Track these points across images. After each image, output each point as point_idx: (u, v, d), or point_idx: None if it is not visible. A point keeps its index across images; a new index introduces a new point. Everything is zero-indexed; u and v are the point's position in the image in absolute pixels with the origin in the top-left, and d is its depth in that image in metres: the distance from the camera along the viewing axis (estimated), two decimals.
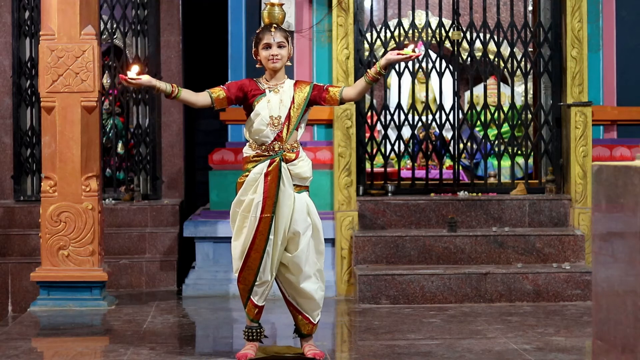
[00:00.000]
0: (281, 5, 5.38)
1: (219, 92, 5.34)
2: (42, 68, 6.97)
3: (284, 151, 5.25)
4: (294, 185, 5.27)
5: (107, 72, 8.86)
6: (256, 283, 5.28)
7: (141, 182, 8.83)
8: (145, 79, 5.17)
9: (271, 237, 5.24)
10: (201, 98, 5.31)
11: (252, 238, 5.24)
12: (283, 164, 5.24)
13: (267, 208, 5.23)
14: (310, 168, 5.34)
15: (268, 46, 5.27)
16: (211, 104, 5.34)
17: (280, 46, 5.28)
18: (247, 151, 5.34)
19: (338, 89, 5.32)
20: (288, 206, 5.24)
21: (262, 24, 5.37)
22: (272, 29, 5.28)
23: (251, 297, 5.31)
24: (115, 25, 8.81)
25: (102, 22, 8.31)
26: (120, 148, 8.94)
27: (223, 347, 5.95)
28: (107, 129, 8.91)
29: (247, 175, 5.28)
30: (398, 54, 5.17)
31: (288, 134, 5.26)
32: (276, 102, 5.27)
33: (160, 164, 8.81)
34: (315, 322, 5.34)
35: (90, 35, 6.99)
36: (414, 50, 5.16)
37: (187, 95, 5.28)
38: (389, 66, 5.30)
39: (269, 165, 5.24)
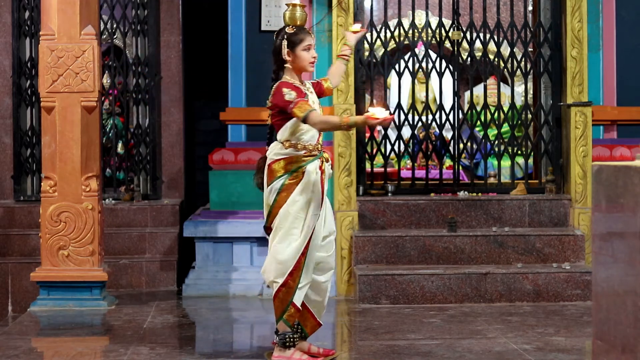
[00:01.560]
0: (303, 6, 5.38)
1: (307, 105, 5.14)
2: (42, 68, 6.97)
3: (322, 151, 5.29)
4: None
5: (107, 72, 8.86)
6: (300, 285, 5.18)
7: (141, 182, 8.83)
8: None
9: (314, 237, 5.24)
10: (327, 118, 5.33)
11: (310, 238, 5.18)
12: (325, 163, 5.28)
13: (321, 206, 5.23)
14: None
15: (309, 48, 5.26)
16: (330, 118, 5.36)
17: (313, 48, 5.32)
18: (290, 152, 5.20)
19: (327, 80, 5.50)
20: (324, 207, 5.28)
21: (284, 24, 5.32)
22: (305, 32, 5.28)
23: (293, 301, 5.19)
24: (115, 25, 8.81)
25: (102, 22, 8.31)
26: (120, 148, 8.94)
27: (223, 347, 5.95)
28: (107, 129, 8.91)
29: (295, 177, 5.18)
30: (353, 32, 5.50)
31: (315, 135, 5.26)
32: (316, 103, 5.32)
33: (160, 164, 8.81)
34: (321, 323, 5.40)
35: (90, 35, 6.99)
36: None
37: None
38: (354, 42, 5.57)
39: (314, 163, 5.20)
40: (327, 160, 5.28)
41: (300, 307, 5.21)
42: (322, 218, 5.25)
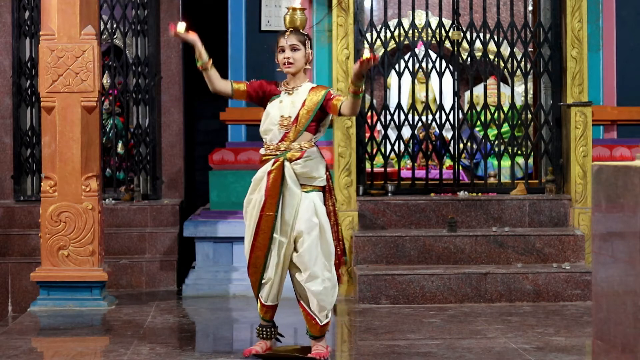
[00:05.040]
0: (303, 9, 5.39)
1: (240, 84, 5.45)
2: (42, 68, 6.97)
3: (290, 151, 5.28)
4: (301, 184, 5.29)
5: (107, 72, 8.86)
6: (262, 281, 5.34)
7: (141, 182, 8.83)
8: (192, 37, 5.30)
9: (275, 235, 5.27)
10: (222, 83, 5.43)
11: (254, 235, 5.30)
12: (287, 163, 5.26)
13: (268, 206, 5.26)
14: (321, 168, 5.34)
15: (282, 50, 5.32)
16: (230, 93, 5.45)
17: (293, 49, 5.31)
18: (261, 151, 5.40)
19: (339, 102, 5.30)
20: (292, 206, 5.27)
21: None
22: (287, 33, 5.33)
23: (259, 295, 5.38)
24: (115, 25, 8.81)
25: (102, 22, 8.31)
26: (120, 148, 8.93)
27: (223, 347, 5.95)
28: (107, 129, 8.91)
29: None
30: (360, 62, 5.08)
31: (297, 135, 5.29)
32: (288, 103, 5.32)
33: (160, 164, 8.80)
34: (322, 324, 5.32)
35: (90, 35, 6.99)
36: (371, 57, 5.03)
37: (214, 74, 5.39)
38: (361, 77, 5.15)
39: (273, 164, 5.27)
40: (290, 161, 5.27)
41: (266, 304, 5.35)
42: (293, 218, 5.26)
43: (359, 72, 5.09)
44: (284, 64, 5.33)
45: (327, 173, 5.41)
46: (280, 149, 5.30)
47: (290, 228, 5.27)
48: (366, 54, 5.03)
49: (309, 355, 5.33)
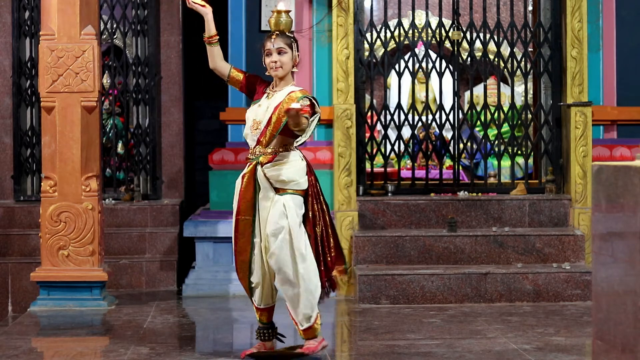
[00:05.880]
0: (288, 12, 5.37)
1: (238, 73, 5.46)
2: (42, 68, 6.97)
3: (263, 155, 5.27)
4: (275, 188, 5.26)
5: (107, 72, 8.86)
6: (251, 285, 5.37)
7: (141, 182, 8.83)
8: (205, 9, 5.33)
9: (256, 240, 5.29)
10: (223, 64, 5.46)
11: (234, 240, 5.34)
12: (258, 167, 5.26)
13: (242, 210, 5.29)
14: (293, 172, 5.25)
15: (269, 53, 5.30)
16: (226, 77, 5.47)
17: (280, 52, 5.28)
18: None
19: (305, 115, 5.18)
20: (266, 209, 5.27)
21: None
22: (274, 36, 5.30)
23: (252, 298, 5.41)
24: (115, 25, 8.81)
25: (102, 22, 8.31)
26: (120, 148, 8.93)
27: (223, 347, 5.95)
28: (107, 129, 8.91)
29: None
30: (285, 111, 5.07)
31: (270, 139, 5.27)
32: (264, 107, 5.31)
33: (160, 164, 8.80)
34: (303, 328, 5.27)
35: (90, 35, 6.99)
36: (295, 110, 4.99)
37: (217, 52, 5.42)
38: (298, 125, 5.07)
39: (246, 168, 5.31)
40: (262, 165, 5.26)
41: (259, 307, 5.36)
42: (265, 220, 5.26)
43: (291, 123, 5.05)
44: (272, 67, 5.30)
45: (312, 177, 5.32)
46: (256, 153, 5.30)
47: (263, 231, 5.28)
48: (294, 105, 4.99)
49: (298, 350, 5.31)
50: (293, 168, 5.26)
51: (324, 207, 5.36)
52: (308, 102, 5.17)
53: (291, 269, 5.22)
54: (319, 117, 5.32)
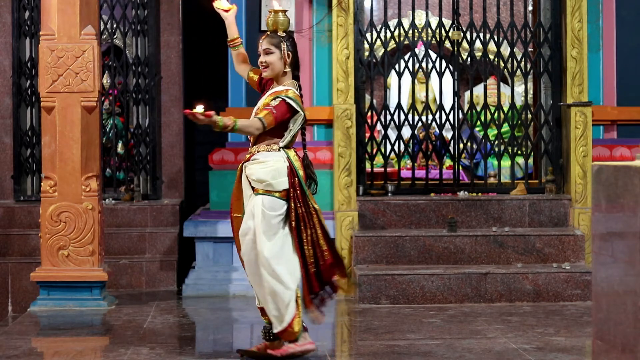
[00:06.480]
0: (284, 11, 5.37)
1: (254, 74, 5.54)
2: (42, 68, 6.97)
3: (249, 153, 5.32)
4: (252, 187, 5.27)
5: (107, 72, 8.86)
6: (251, 284, 5.39)
7: (141, 182, 8.83)
8: (225, 14, 5.46)
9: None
10: (242, 67, 5.59)
11: (234, 237, 5.39)
12: (244, 165, 5.31)
13: (234, 208, 5.38)
14: (265, 173, 5.20)
15: (259, 54, 5.34)
16: (246, 79, 5.60)
17: (266, 53, 5.29)
18: None
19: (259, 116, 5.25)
20: (248, 207, 5.30)
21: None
22: (263, 37, 5.34)
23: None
24: (115, 25, 8.80)
25: (102, 22, 8.31)
26: (120, 148, 8.93)
27: (223, 347, 5.95)
28: (107, 129, 8.91)
29: None
30: (186, 113, 5.19)
31: (255, 137, 5.30)
32: (257, 106, 5.38)
33: (160, 164, 8.80)
34: (277, 330, 5.21)
35: (90, 35, 6.99)
36: (195, 114, 5.09)
37: (238, 55, 5.56)
38: (206, 123, 5.20)
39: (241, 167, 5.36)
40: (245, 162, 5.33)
41: (258, 305, 5.35)
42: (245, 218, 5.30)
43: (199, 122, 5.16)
44: (261, 66, 5.35)
45: (295, 179, 5.22)
46: (249, 152, 5.34)
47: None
48: (198, 108, 5.05)
49: (268, 351, 5.29)
50: (267, 169, 5.22)
51: (312, 210, 5.24)
52: (277, 103, 5.20)
53: (258, 271, 5.20)
54: (303, 116, 5.30)
